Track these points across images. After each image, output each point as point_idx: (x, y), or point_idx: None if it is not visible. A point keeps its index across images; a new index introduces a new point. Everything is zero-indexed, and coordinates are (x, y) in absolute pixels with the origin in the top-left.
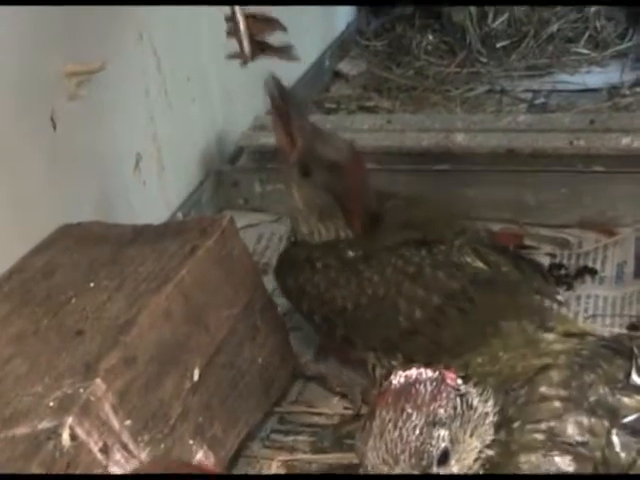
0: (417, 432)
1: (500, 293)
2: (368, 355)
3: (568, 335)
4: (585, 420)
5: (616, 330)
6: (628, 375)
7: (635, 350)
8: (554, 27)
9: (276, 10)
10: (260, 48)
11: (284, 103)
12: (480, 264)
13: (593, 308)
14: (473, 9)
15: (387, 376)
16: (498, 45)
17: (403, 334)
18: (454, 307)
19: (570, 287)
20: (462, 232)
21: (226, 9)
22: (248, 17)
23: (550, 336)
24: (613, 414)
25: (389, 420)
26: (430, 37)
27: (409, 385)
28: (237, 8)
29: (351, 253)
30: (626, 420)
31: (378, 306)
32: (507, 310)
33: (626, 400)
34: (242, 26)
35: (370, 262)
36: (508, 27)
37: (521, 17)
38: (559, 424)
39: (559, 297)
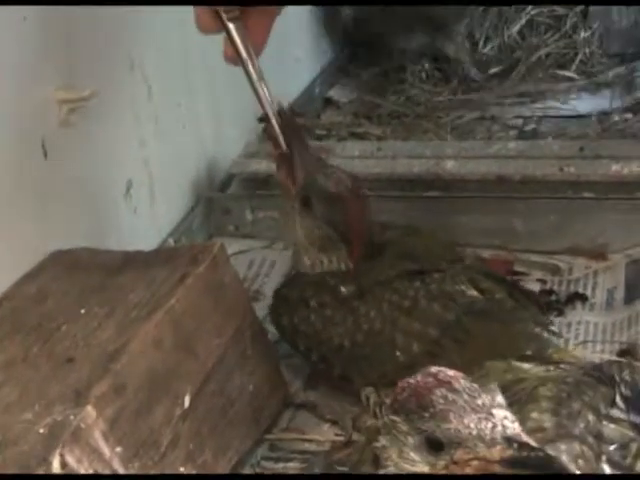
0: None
1: (495, 322)
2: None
3: (546, 364)
4: (577, 447)
5: (606, 356)
6: (612, 403)
7: (616, 377)
8: (543, 52)
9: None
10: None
11: (288, 136)
12: (474, 292)
13: (584, 334)
14: (466, 39)
15: (381, 404)
16: (489, 72)
17: (401, 369)
18: (450, 339)
19: (561, 313)
20: (457, 260)
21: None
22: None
23: (530, 366)
24: (601, 441)
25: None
26: (422, 64)
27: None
28: (268, 108)
29: (344, 290)
30: (614, 447)
31: (375, 342)
32: (503, 339)
33: (612, 427)
34: (276, 125)
35: (365, 298)
36: (499, 53)
37: (511, 43)
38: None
39: (553, 327)
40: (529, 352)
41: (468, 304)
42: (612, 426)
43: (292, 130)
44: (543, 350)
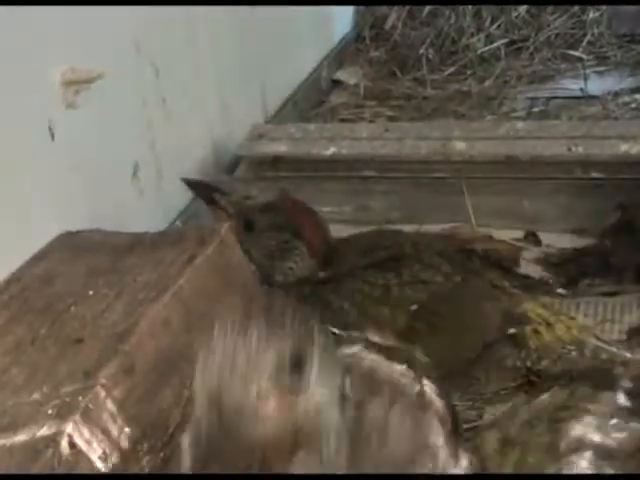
0: None
1: (465, 303)
2: None
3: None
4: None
5: (615, 336)
6: (614, 406)
7: (619, 372)
8: (552, 32)
9: (273, 18)
10: None
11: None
12: (439, 278)
13: (593, 314)
14: (470, 18)
15: None
16: (496, 51)
17: None
18: (423, 322)
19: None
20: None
21: None
22: None
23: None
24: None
25: None
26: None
27: None
28: None
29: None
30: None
31: None
32: (473, 317)
33: (619, 435)
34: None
35: (339, 291)
36: (505, 32)
37: (518, 23)
38: None
39: (514, 289)
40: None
41: (437, 287)
42: (619, 434)
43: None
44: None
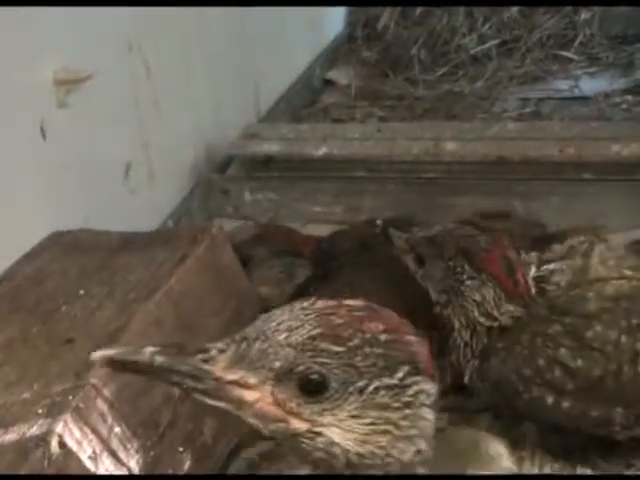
0: None
1: None
2: None
3: None
4: None
5: None
6: None
7: None
8: (544, 33)
9: (265, 18)
10: None
11: None
12: None
13: None
14: (462, 18)
15: None
16: (488, 51)
17: None
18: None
19: None
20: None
21: None
22: None
23: None
24: None
25: None
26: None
27: None
28: None
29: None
30: None
31: None
32: None
33: None
34: None
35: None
36: (497, 32)
37: (510, 23)
38: None
39: None
40: None
41: None
42: None
43: None
44: None
